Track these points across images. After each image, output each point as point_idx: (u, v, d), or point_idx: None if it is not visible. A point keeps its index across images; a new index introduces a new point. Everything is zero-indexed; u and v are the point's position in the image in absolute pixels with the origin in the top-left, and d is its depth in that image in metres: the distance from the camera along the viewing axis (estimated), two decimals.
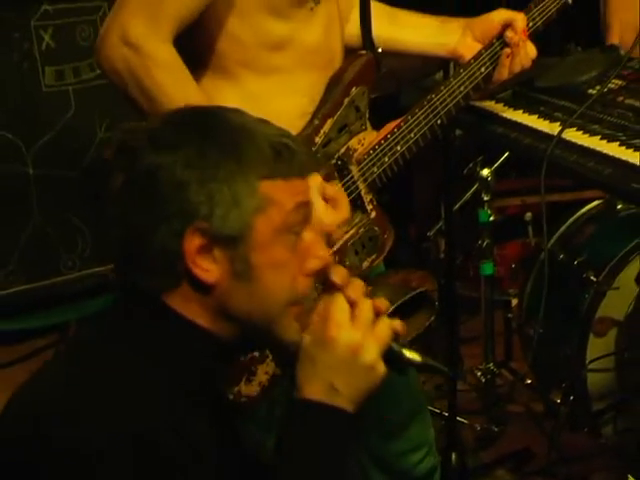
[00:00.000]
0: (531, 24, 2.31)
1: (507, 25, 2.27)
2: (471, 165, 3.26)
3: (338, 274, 1.53)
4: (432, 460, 2.43)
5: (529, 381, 3.34)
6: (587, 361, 2.89)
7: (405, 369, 1.55)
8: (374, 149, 2.15)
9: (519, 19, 2.27)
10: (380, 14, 2.27)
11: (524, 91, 2.64)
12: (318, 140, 2.09)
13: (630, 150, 2.22)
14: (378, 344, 1.50)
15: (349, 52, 2.20)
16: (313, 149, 2.08)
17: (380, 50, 2.20)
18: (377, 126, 2.21)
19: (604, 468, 2.94)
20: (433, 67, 2.81)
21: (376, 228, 2.18)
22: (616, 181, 2.19)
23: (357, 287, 1.54)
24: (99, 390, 1.40)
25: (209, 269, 1.45)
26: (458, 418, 3.07)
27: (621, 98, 2.48)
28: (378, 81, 2.19)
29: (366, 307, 1.51)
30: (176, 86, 1.93)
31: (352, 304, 1.51)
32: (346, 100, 2.13)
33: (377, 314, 1.52)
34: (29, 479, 1.38)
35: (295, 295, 1.50)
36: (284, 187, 1.47)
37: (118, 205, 1.47)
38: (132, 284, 1.48)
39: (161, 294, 1.47)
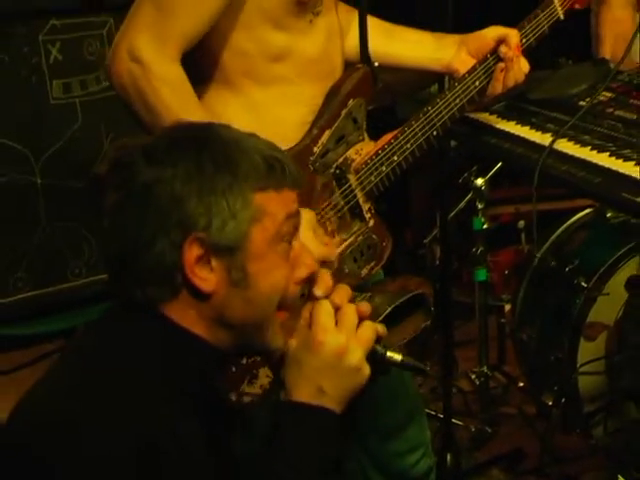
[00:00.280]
0: (524, 40, 2.31)
1: (501, 41, 2.27)
2: (466, 175, 3.26)
3: (322, 287, 1.56)
4: (428, 461, 2.43)
5: (522, 384, 3.34)
6: (578, 364, 2.89)
7: (388, 369, 1.58)
8: (372, 159, 2.14)
9: (512, 35, 2.27)
10: (378, 30, 2.27)
11: (517, 103, 2.64)
12: (316, 150, 2.09)
13: (620, 160, 2.22)
14: (362, 347, 1.52)
15: (347, 65, 2.20)
16: (311, 159, 2.08)
17: (377, 64, 2.20)
18: (374, 137, 2.21)
19: (595, 468, 2.94)
20: (428, 81, 2.81)
21: (374, 236, 2.18)
22: (606, 190, 2.18)
23: (342, 292, 1.56)
24: (99, 396, 1.40)
25: (207, 278, 1.45)
26: (453, 420, 3.07)
27: (611, 110, 2.48)
28: (375, 94, 2.19)
29: (350, 311, 1.53)
30: (179, 103, 1.93)
31: (337, 309, 1.53)
32: (344, 112, 2.13)
33: (361, 318, 1.54)
34: None
35: (284, 301, 1.52)
36: (276, 198, 1.49)
37: (115, 219, 1.47)
38: (130, 294, 1.48)
39: (159, 304, 1.47)
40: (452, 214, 3.31)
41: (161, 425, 1.37)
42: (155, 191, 1.43)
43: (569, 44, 3.00)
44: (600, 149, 2.29)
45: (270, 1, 1.97)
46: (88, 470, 1.34)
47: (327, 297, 1.55)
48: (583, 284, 2.89)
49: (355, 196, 2.13)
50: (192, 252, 1.44)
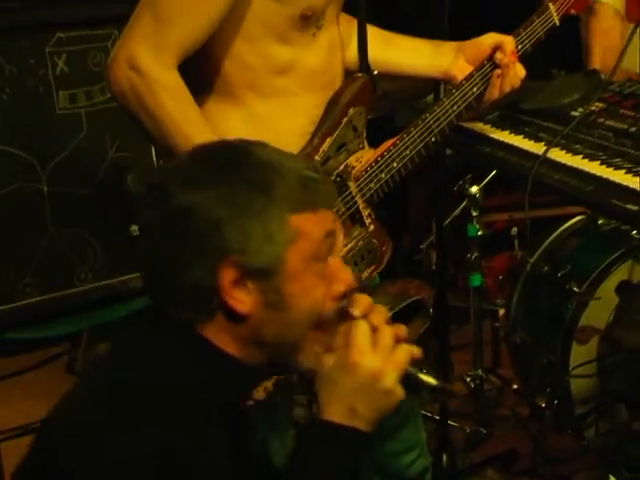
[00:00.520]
0: (520, 46, 2.30)
1: (497, 47, 2.27)
2: (461, 183, 3.26)
3: (359, 306, 1.52)
4: (424, 461, 2.42)
5: (516, 386, 3.34)
6: (570, 367, 2.89)
7: (419, 391, 1.54)
8: (371, 166, 2.14)
9: (508, 42, 2.27)
10: (377, 38, 2.27)
11: (510, 113, 2.65)
12: (317, 158, 2.08)
13: (611, 169, 2.23)
14: (397, 369, 1.49)
15: (347, 74, 2.20)
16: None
17: (376, 72, 2.20)
18: (373, 145, 2.21)
19: (587, 468, 2.94)
20: (425, 90, 2.82)
21: (374, 240, 2.17)
22: (597, 198, 2.19)
23: (380, 314, 1.53)
24: (129, 404, 1.38)
25: (243, 300, 1.43)
26: (449, 421, 3.07)
27: (602, 120, 2.49)
28: (375, 101, 2.19)
29: (387, 334, 1.50)
30: (177, 108, 1.93)
31: (374, 330, 1.50)
32: (344, 120, 2.12)
33: (397, 341, 1.50)
34: None
35: (319, 318, 1.49)
36: (312, 219, 1.46)
37: (151, 242, 1.45)
38: (166, 314, 1.45)
39: (195, 324, 1.45)
40: (448, 221, 3.31)
41: (188, 438, 1.36)
42: (191, 215, 1.40)
43: (561, 55, 3.01)
44: (592, 158, 2.30)
45: (274, 15, 1.97)
46: (110, 474, 1.33)
47: (365, 317, 1.51)
48: (575, 289, 2.89)
49: (355, 203, 2.13)
50: (228, 275, 1.41)
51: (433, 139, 2.20)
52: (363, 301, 1.53)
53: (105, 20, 3.57)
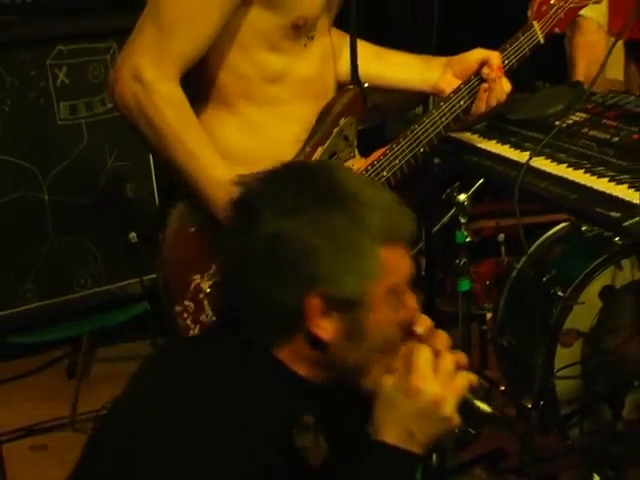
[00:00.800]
0: (506, 62, 2.31)
1: (484, 63, 2.28)
2: (449, 191, 3.25)
3: (422, 325, 1.50)
4: None
5: (503, 388, 3.33)
6: (555, 369, 2.89)
7: (477, 421, 1.55)
8: (362, 174, 2.15)
9: (494, 57, 2.28)
10: (368, 53, 2.28)
11: (497, 123, 2.65)
12: None
13: (594, 177, 2.23)
14: (456, 396, 1.47)
15: (339, 86, 2.20)
16: None
17: (366, 85, 2.21)
18: (364, 155, 2.22)
19: (572, 467, 2.94)
20: (414, 102, 2.82)
21: None
22: (581, 205, 2.19)
23: (442, 339, 1.51)
24: (185, 419, 1.36)
25: (326, 328, 1.41)
26: None
27: (585, 130, 2.50)
28: (366, 113, 2.20)
29: (448, 360, 1.48)
30: (181, 122, 1.93)
31: (436, 354, 1.47)
32: (335, 130, 2.13)
33: (457, 367, 1.48)
34: None
35: (387, 344, 1.47)
36: (397, 253, 1.44)
37: (239, 265, 1.42)
38: (243, 333, 1.43)
39: (272, 346, 1.42)
40: (436, 228, 3.31)
41: (236, 458, 1.34)
42: (283, 242, 1.37)
43: (546, 68, 3.02)
44: (576, 166, 2.30)
45: (267, 25, 1.97)
46: None
47: (427, 340, 1.49)
48: (560, 293, 2.89)
49: None
50: (315, 304, 1.39)
51: (422, 149, 2.20)
52: (427, 322, 1.51)
53: (105, 34, 3.58)
